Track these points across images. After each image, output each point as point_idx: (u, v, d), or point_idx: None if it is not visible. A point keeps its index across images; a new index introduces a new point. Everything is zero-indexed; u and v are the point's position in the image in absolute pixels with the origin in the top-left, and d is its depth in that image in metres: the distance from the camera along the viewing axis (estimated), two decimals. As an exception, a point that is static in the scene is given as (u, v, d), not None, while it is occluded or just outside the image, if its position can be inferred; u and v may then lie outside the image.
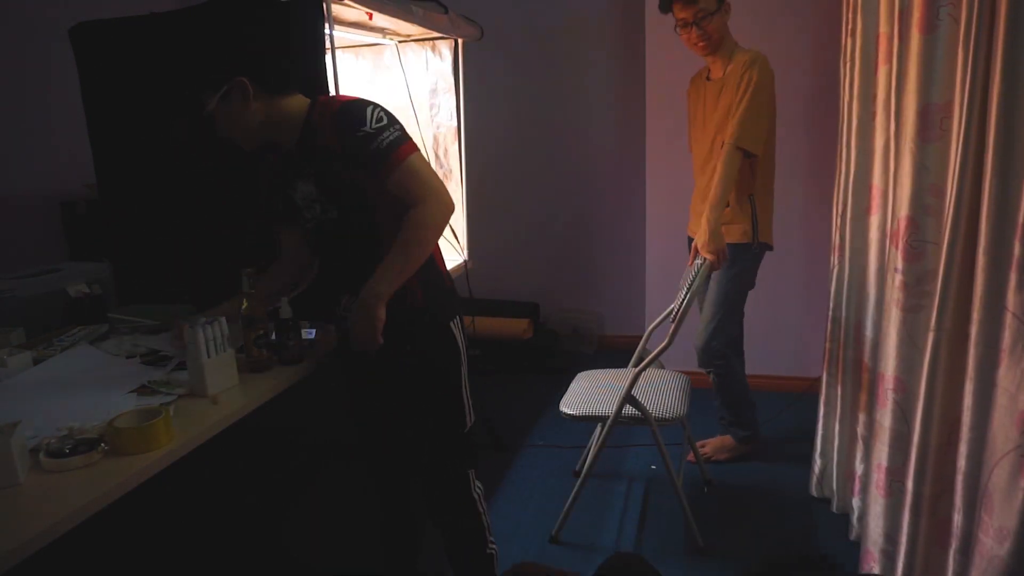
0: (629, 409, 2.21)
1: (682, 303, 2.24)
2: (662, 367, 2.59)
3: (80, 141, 2.21)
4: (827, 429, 2.40)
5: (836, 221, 2.28)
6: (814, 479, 2.48)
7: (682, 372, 2.54)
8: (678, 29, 2.42)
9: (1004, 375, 1.34)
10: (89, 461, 1.23)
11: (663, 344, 2.22)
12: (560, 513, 2.36)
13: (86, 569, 2.05)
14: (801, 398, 3.07)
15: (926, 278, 1.68)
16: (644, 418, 2.18)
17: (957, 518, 1.50)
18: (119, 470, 1.22)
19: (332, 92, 1.89)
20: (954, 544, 1.52)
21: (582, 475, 2.32)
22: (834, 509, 2.38)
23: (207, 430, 1.40)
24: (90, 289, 2.12)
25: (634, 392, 2.20)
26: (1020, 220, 1.26)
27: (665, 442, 2.23)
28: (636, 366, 2.35)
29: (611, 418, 2.21)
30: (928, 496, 1.66)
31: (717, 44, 2.41)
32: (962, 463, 1.48)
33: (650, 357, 2.25)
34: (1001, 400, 1.35)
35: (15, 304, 2.09)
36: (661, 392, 2.34)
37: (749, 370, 2.76)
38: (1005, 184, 1.34)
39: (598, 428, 2.45)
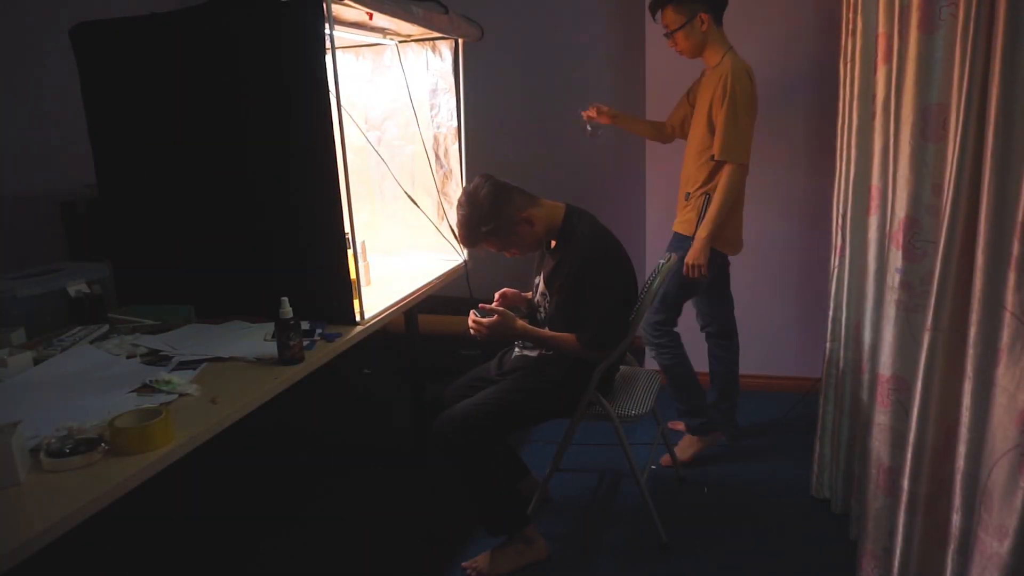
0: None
1: (640, 300, 2.24)
2: (635, 364, 2.59)
3: (80, 141, 2.21)
4: (827, 429, 2.39)
5: (836, 221, 2.28)
6: (814, 479, 2.48)
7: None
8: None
9: (1003, 374, 1.34)
10: (89, 461, 1.24)
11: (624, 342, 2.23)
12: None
13: (86, 569, 2.05)
14: (802, 399, 3.06)
15: (928, 278, 1.68)
16: (607, 414, 2.18)
17: (956, 518, 1.50)
18: (119, 470, 1.23)
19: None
20: (952, 544, 1.51)
21: (548, 470, 2.36)
22: (834, 509, 2.38)
23: (207, 430, 1.40)
24: (90, 289, 2.12)
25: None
26: (1019, 219, 1.26)
27: (643, 440, 2.21)
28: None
29: (576, 413, 2.22)
30: (926, 496, 1.66)
31: (693, 53, 2.53)
32: (961, 463, 1.47)
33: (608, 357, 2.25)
34: (1000, 399, 1.35)
35: (15, 304, 2.09)
36: (628, 389, 2.36)
37: (750, 370, 2.75)
38: (1004, 183, 1.34)
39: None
